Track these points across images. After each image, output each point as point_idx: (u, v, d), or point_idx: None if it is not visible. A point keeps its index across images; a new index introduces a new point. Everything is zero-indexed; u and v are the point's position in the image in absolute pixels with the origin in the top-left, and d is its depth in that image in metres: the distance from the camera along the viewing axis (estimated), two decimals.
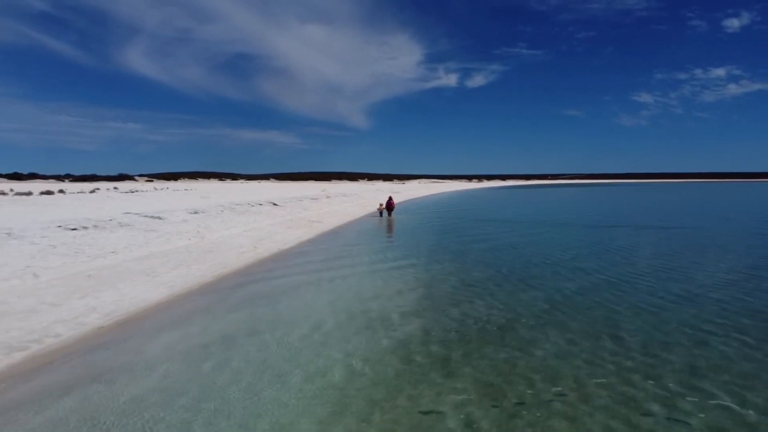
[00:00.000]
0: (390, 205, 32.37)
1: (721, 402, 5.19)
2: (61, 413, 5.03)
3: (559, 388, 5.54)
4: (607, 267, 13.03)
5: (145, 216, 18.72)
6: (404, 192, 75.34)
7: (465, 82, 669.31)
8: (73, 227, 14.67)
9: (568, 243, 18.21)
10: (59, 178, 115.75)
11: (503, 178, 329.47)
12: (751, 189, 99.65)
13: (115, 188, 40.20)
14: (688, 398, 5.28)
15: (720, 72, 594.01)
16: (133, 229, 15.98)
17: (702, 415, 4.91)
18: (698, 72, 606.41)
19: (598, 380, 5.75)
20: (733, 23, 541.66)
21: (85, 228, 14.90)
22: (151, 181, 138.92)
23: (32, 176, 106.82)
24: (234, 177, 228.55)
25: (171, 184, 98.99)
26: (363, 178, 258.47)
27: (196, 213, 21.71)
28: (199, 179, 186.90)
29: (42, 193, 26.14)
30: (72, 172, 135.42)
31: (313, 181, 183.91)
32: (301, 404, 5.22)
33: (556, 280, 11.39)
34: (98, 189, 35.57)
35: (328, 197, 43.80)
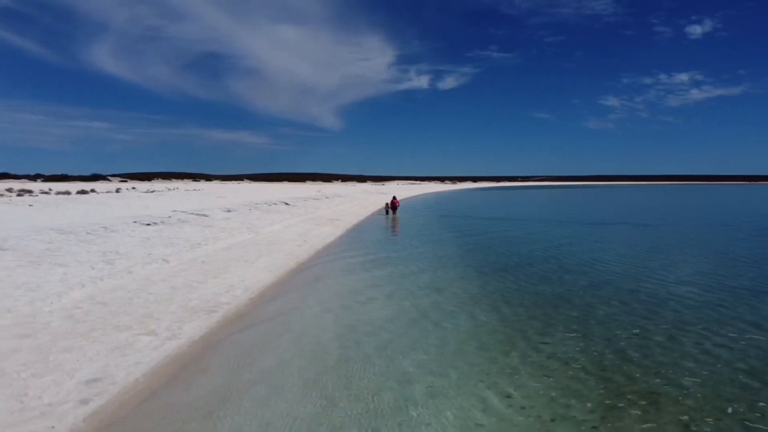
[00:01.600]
0: (394, 205, 34.64)
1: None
2: (283, 344, 7.03)
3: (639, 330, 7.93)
4: (605, 252, 15.67)
5: (192, 214, 20.33)
6: (390, 193, 77.46)
7: (437, 84, 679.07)
8: (146, 223, 16.26)
9: (562, 236, 20.91)
10: (31, 177, 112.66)
11: (474, 179, 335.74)
12: (712, 191, 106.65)
13: (134, 188, 40.95)
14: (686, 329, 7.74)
15: (683, 77, 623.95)
16: (193, 225, 17.65)
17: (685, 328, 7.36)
18: (663, 77, 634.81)
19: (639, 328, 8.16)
20: (696, 30, 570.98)
21: (156, 224, 16.50)
22: (125, 181, 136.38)
23: (4, 176, 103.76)
24: (207, 178, 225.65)
25: (168, 184, 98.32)
26: (337, 179, 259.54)
27: (230, 211, 23.37)
28: (173, 179, 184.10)
29: (78, 192, 27.14)
30: (40, 172, 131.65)
31: (287, 182, 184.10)
32: (423, 323, 7.37)
33: (560, 263, 13.89)
34: (120, 189, 36.43)
35: (327, 198, 45.62)
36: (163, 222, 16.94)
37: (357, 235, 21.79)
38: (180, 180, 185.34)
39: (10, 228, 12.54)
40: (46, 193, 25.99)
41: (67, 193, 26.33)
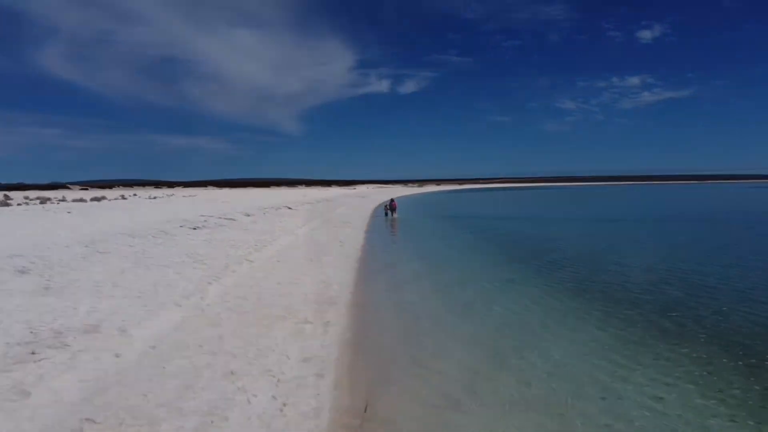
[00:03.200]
0: (393, 207, 35.58)
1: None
2: (417, 322, 7.85)
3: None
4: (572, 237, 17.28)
5: (221, 218, 20.55)
6: (368, 196, 77.98)
7: (397, 89, 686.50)
8: (192, 227, 16.49)
9: (575, 232, 22.57)
10: None
11: (438, 182, 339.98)
12: (669, 191, 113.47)
13: (135, 195, 39.73)
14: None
15: (635, 80, 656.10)
16: (232, 228, 17.96)
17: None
18: (616, 80, 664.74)
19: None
20: (646, 35, 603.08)
21: (200, 228, 16.75)
22: (86, 189, 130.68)
23: None
24: (170, 184, 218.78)
25: (131, 191, 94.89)
26: (301, 184, 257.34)
27: (249, 215, 23.64)
28: (135, 187, 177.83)
29: (92, 199, 26.35)
30: None
31: (252, 188, 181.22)
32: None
33: (543, 243, 15.33)
34: (125, 196, 35.30)
35: (317, 201, 46.06)
36: (204, 226, 17.18)
37: (380, 235, 22.62)
38: (142, 187, 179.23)
39: (81, 234, 12.61)
40: (63, 200, 25.28)
41: (82, 200, 25.72)
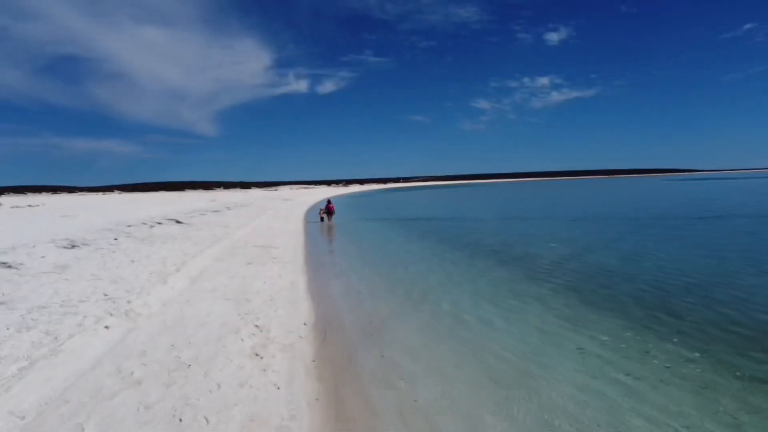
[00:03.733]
0: (330, 210, 35.34)
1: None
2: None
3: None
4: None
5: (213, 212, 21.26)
6: (297, 199, 77.14)
7: (316, 88, 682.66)
8: (177, 220, 17.30)
9: (470, 223, 25.94)
10: None
11: (362, 182, 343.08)
12: (583, 186, 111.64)
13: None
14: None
15: (545, 81, 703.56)
16: (235, 214, 18.92)
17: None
18: (527, 80, 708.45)
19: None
20: (554, 37, 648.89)
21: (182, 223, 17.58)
22: None
23: None
24: (70, 190, 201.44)
25: (30, 199, 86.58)
26: (219, 187, 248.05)
27: (217, 211, 24.35)
28: (28, 193, 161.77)
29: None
30: None
31: (164, 192, 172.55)
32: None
33: (485, 235, 18.47)
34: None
35: (228, 208, 46.54)
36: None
37: (332, 268, 24.42)
38: (37, 193, 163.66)
39: (54, 234, 13.21)
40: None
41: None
